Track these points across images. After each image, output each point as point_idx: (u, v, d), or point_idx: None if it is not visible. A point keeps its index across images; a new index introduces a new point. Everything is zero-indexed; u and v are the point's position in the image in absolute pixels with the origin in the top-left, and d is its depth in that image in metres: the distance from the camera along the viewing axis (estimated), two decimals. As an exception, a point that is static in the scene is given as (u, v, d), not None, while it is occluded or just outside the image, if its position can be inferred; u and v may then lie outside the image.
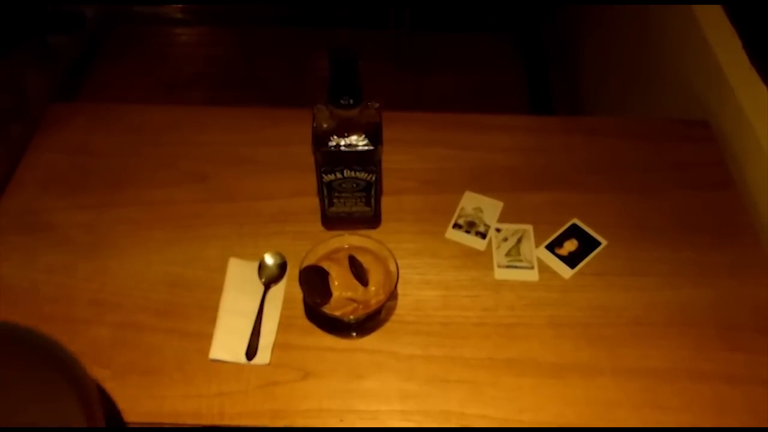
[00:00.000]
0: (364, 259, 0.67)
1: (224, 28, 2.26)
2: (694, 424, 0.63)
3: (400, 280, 0.66)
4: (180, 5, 2.29)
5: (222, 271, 0.73)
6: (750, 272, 0.74)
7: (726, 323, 0.70)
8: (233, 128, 0.90)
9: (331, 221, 0.76)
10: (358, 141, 0.65)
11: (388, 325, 0.70)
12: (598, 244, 0.77)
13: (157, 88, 2.02)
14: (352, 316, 0.65)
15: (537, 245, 0.77)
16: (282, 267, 0.73)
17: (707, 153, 0.87)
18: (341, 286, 0.65)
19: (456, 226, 0.78)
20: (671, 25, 1.10)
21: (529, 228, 0.78)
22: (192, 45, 2.23)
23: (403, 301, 0.72)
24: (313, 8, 2.24)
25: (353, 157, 0.66)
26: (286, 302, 0.71)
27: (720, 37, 0.93)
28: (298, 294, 0.70)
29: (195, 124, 0.91)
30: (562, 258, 0.75)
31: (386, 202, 0.80)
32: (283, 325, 0.69)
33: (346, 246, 0.69)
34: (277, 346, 0.68)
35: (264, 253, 0.74)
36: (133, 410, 0.63)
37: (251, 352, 0.67)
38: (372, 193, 0.72)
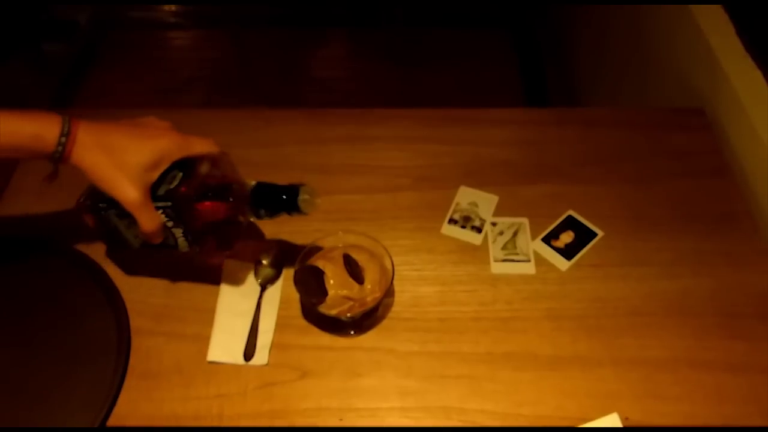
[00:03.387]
0: (360, 257, 0.66)
1: (217, 31, 2.25)
2: (695, 413, 0.62)
3: (396, 277, 0.66)
4: (173, 8, 2.29)
5: (218, 273, 0.73)
6: (748, 260, 0.74)
7: (725, 311, 0.69)
8: (227, 130, 0.89)
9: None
10: None
11: (385, 323, 0.70)
12: (595, 235, 0.76)
13: (152, 93, 2.02)
14: (348, 315, 0.64)
15: (533, 238, 0.76)
16: (278, 267, 0.73)
17: (703, 141, 0.87)
18: (336, 285, 0.64)
19: (451, 221, 0.78)
20: (665, 12, 1.09)
21: (525, 221, 0.78)
22: (185, 48, 2.23)
23: (400, 298, 0.72)
24: (306, 7, 2.23)
25: None
26: (283, 302, 0.71)
27: (714, 24, 0.92)
28: (295, 294, 0.70)
29: (189, 126, 0.89)
30: (558, 250, 0.75)
31: (381, 199, 0.80)
32: (281, 325, 0.69)
33: (341, 244, 0.68)
34: (274, 347, 0.68)
35: (260, 254, 0.74)
36: (132, 414, 0.63)
37: (249, 353, 0.67)
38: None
